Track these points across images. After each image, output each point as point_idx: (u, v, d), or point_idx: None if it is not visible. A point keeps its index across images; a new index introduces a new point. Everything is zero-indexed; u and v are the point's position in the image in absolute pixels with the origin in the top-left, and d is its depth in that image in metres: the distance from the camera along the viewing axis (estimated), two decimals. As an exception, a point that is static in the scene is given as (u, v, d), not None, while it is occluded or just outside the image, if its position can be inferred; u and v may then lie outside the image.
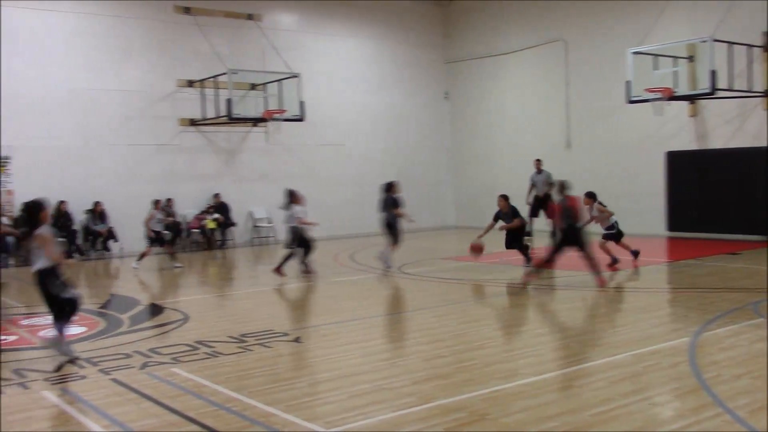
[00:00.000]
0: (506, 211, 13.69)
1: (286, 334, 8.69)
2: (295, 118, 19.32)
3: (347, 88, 23.21)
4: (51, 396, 6.44)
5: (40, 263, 7.41)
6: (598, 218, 13.59)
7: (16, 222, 16.19)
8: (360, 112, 23.50)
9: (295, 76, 19.22)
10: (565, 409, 5.60)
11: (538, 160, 19.90)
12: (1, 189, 17.58)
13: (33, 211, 7.55)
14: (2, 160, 17.68)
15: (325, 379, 6.86)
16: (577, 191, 21.30)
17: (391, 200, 14.19)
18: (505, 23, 23.40)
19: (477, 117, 24.67)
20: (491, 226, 13.81)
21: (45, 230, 7.49)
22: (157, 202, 16.27)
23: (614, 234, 13.69)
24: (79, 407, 6.07)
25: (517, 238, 13.79)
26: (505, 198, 13.84)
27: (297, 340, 8.47)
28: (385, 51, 24.27)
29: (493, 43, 23.74)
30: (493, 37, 23.78)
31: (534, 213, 19.55)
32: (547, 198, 18.66)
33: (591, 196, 13.61)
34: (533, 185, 19.84)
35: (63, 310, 7.56)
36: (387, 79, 24.20)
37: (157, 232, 15.89)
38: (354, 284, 13.18)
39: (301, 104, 19.20)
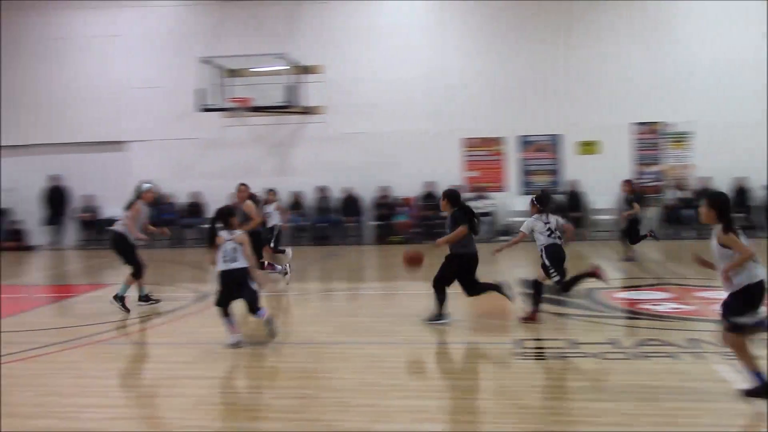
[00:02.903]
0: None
1: None
2: None
3: None
4: (723, 370, 6.34)
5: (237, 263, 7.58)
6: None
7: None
8: None
9: None
10: None
11: None
12: (679, 163, 18.29)
13: (223, 215, 7.81)
14: (683, 136, 18.30)
15: None
16: None
17: None
18: None
19: None
20: None
21: (225, 234, 7.64)
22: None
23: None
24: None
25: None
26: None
27: None
28: None
29: None
30: None
31: None
32: None
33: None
34: None
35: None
36: None
37: None
38: None
39: None
